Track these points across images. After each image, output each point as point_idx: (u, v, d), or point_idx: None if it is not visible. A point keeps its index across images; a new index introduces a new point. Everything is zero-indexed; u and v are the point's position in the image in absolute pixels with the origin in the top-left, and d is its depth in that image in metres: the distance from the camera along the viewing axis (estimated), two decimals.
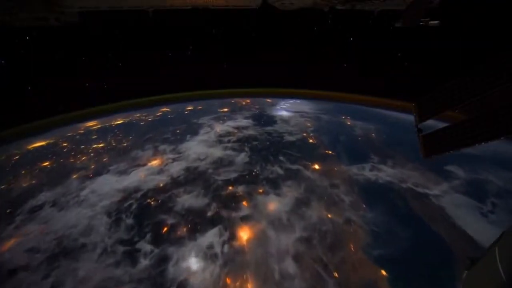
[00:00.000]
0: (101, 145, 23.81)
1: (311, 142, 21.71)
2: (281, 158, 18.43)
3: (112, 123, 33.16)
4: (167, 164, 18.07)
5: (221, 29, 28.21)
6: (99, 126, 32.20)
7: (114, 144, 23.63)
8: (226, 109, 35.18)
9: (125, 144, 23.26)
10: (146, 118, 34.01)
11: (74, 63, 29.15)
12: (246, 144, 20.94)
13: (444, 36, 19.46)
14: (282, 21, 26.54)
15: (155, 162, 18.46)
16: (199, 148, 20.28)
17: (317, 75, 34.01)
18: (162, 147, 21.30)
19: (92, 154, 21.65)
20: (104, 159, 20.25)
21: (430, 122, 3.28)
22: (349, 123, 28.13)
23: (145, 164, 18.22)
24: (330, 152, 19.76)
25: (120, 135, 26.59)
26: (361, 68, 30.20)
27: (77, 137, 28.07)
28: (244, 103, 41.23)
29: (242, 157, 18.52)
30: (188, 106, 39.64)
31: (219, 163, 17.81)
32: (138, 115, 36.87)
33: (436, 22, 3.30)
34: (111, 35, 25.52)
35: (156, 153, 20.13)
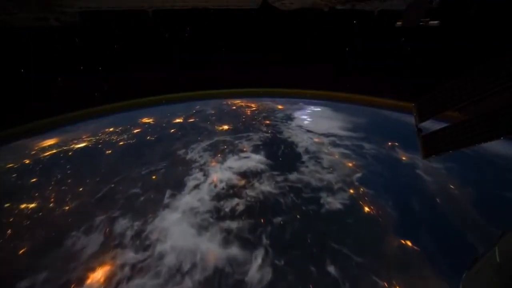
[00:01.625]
0: (32, 205, 15.21)
1: (369, 214, 13.20)
2: (331, 269, 10.02)
3: (72, 146, 24.35)
4: (119, 284, 9.64)
5: (221, 29, 26.53)
6: (54, 151, 23.42)
7: (51, 206, 15.02)
8: (226, 127, 26.17)
9: (67, 208, 14.65)
10: (118, 139, 25.04)
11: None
12: (262, 223, 12.41)
13: (444, 36, 19.11)
14: (282, 21, 25.29)
15: (98, 276, 10.01)
16: (181, 234, 11.74)
17: (318, 75, 32.45)
18: (121, 223, 12.73)
19: (8, 232, 13.14)
20: (20, 251, 11.76)
21: (430, 122, 3.12)
22: (404, 158, 19.47)
23: (79, 283, 9.79)
24: (409, 244, 11.35)
25: (70, 179, 17.90)
26: (361, 68, 29.16)
27: (14, 176, 19.41)
28: (249, 112, 32.14)
29: (258, 268, 10.08)
30: (178, 117, 30.67)
31: None
32: (111, 129, 28.03)
33: (436, 22, 3.17)
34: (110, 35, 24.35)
35: (107, 242, 11.63)
